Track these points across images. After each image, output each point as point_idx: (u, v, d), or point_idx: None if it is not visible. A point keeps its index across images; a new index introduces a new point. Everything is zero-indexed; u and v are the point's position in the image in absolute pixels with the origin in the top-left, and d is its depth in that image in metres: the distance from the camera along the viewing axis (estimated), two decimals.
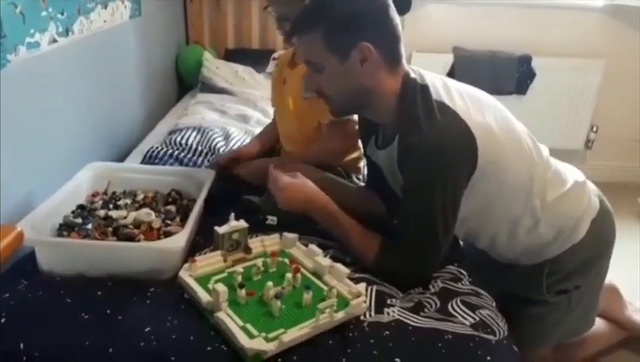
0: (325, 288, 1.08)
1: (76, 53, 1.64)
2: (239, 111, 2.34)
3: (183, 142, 1.90)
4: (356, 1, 1.11)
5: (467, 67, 2.84)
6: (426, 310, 1.08)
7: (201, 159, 1.80)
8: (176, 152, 1.80)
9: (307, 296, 1.04)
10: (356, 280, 1.11)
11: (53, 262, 1.11)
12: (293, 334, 0.93)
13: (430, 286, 1.16)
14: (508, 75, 2.88)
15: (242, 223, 1.16)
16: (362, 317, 1.04)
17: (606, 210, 1.35)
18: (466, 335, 1.01)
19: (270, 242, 1.23)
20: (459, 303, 1.10)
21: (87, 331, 0.95)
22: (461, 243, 1.38)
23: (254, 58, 2.84)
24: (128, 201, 1.35)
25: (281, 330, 0.95)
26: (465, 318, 1.06)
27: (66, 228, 1.22)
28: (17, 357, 0.90)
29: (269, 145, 1.74)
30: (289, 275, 1.09)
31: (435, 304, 1.10)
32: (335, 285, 1.08)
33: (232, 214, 1.16)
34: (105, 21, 1.85)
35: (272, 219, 1.33)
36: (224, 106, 2.38)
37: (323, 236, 1.29)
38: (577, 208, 1.30)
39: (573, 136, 3.07)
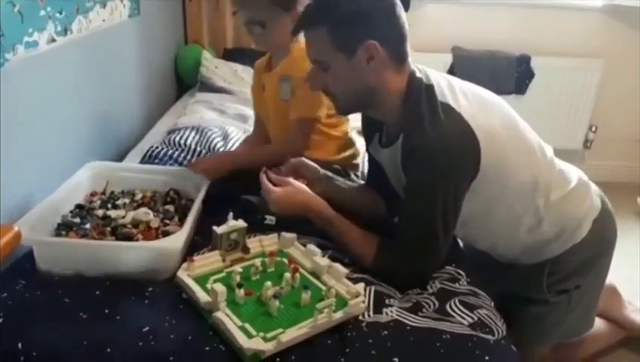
0: (324, 288, 1.08)
1: (75, 53, 1.64)
2: (238, 110, 2.34)
3: (182, 142, 1.90)
4: None
5: (466, 67, 2.84)
6: (424, 310, 1.08)
7: None
8: (176, 154, 1.79)
9: (305, 296, 1.03)
10: (355, 280, 1.11)
11: (52, 261, 1.10)
12: (292, 334, 0.93)
13: (428, 287, 1.16)
14: (507, 74, 2.88)
15: (241, 223, 1.16)
16: (361, 317, 1.04)
17: (607, 210, 1.36)
18: (465, 335, 1.01)
19: (269, 242, 1.23)
20: (457, 303, 1.10)
21: (85, 331, 0.95)
22: (460, 243, 1.38)
23: (253, 57, 2.77)
24: (127, 201, 1.35)
25: (280, 330, 0.95)
26: (463, 318, 1.06)
27: (64, 227, 1.22)
28: (15, 356, 0.89)
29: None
30: (287, 275, 1.09)
31: (434, 304, 1.10)
32: (333, 285, 1.08)
33: (231, 214, 1.16)
34: (103, 20, 1.84)
35: (270, 219, 1.33)
36: (223, 106, 2.38)
37: (322, 236, 1.28)
38: (581, 208, 1.30)
39: (572, 136, 3.07)
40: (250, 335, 0.93)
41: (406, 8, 1.17)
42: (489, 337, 1.02)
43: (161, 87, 2.64)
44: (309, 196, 1.26)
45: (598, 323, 1.62)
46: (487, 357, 0.96)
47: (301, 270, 1.13)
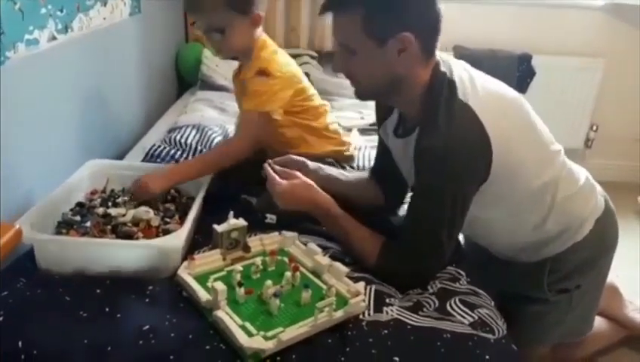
0: (324, 287, 1.07)
1: (75, 51, 1.64)
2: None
3: (183, 140, 1.90)
4: None
5: None
6: (424, 309, 1.08)
7: None
8: (178, 153, 1.79)
9: (306, 295, 1.03)
10: (355, 280, 1.11)
11: (52, 260, 1.10)
12: (292, 333, 0.93)
13: (429, 287, 1.16)
14: (508, 73, 2.87)
15: (241, 222, 1.16)
16: (361, 316, 1.04)
17: (610, 210, 1.35)
18: (465, 334, 1.01)
19: (269, 241, 1.23)
20: (457, 302, 1.10)
21: (85, 329, 0.94)
22: (462, 240, 1.38)
23: None
24: (127, 199, 1.35)
25: (280, 329, 0.94)
26: (464, 317, 1.06)
27: (64, 225, 1.21)
28: (16, 355, 0.89)
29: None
30: (288, 274, 1.09)
31: (434, 303, 1.10)
32: (334, 284, 1.08)
33: (231, 213, 1.16)
34: (104, 18, 1.84)
35: (271, 218, 1.33)
36: (223, 104, 2.38)
37: (322, 235, 1.28)
38: (586, 207, 1.30)
39: (573, 135, 3.07)
40: (250, 334, 0.93)
41: None
42: (489, 336, 1.02)
43: (162, 86, 2.63)
44: (317, 192, 1.24)
45: (599, 322, 1.62)
46: (487, 356, 0.96)
47: (302, 269, 1.13)
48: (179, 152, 1.81)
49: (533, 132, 1.21)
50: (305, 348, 0.94)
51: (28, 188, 1.39)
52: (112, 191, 1.41)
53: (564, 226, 1.27)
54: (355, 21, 1.06)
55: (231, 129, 2.06)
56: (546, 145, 1.23)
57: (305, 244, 1.21)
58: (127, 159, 1.85)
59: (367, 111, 2.26)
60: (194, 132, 1.98)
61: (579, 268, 1.33)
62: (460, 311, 1.07)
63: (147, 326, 0.95)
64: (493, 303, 1.14)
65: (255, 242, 1.21)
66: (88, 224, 1.21)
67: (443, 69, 1.14)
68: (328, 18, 1.12)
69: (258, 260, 1.14)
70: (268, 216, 1.34)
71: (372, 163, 1.53)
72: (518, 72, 2.87)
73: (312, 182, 1.26)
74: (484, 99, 1.11)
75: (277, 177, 1.24)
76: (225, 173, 1.47)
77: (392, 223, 1.38)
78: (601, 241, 1.34)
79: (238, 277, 1.06)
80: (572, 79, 2.93)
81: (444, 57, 1.18)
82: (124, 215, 1.25)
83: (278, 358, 0.91)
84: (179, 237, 1.12)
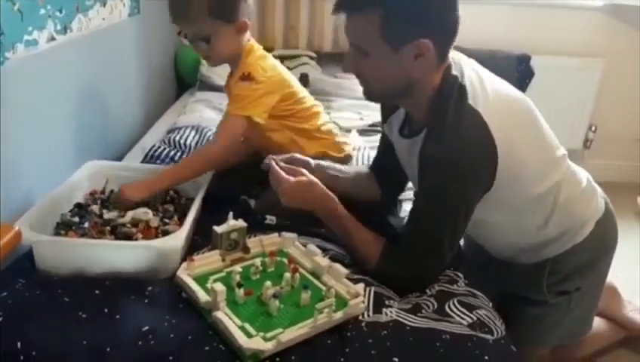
0: (324, 288, 1.08)
1: (74, 52, 1.64)
2: None
3: (182, 141, 1.90)
4: None
5: None
6: (423, 311, 1.08)
7: None
8: (178, 155, 1.79)
9: (305, 296, 1.03)
10: (355, 281, 1.11)
11: (51, 261, 1.10)
12: (292, 334, 0.93)
13: (427, 290, 1.15)
14: (507, 74, 2.83)
15: (241, 223, 1.16)
16: (360, 317, 1.04)
17: (610, 212, 1.35)
18: (464, 335, 1.01)
19: (269, 242, 1.23)
20: (456, 303, 1.10)
21: (84, 330, 0.94)
22: (461, 241, 1.38)
23: None
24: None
25: (280, 330, 0.95)
26: (462, 318, 1.06)
27: (63, 226, 1.21)
28: (15, 356, 0.89)
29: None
30: (287, 275, 1.09)
31: (433, 305, 1.10)
32: (333, 285, 1.08)
33: (231, 213, 1.16)
34: (103, 19, 1.84)
35: (270, 219, 1.33)
36: (222, 104, 2.35)
37: (322, 236, 1.28)
38: (587, 209, 1.30)
39: (572, 136, 3.06)
40: (249, 335, 0.93)
41: None
42: (488, 337, 1.02)
43: (161, 86, 2.63)
44: (322, 190, 1.23)
45: (598, 323, 1.62)
46: (486, 357, 0.96)
47: (301, 270, 1.13)
48: (178, 153, 1.81)
49: (539, 139, 1.20)
50: (304, 349, 0.94)
51: (27, 188, 1.39)
52: (111, 191, 1.41)
53: (565, 228, 1.27)
54: (372, 23, 1.03)
55: None
56: (551, 148, 1.22)
57: (304, 245, 1.21)
58: (126, 160, 1.85)
59: (367, 112, 2.26)
60: (193, 133, 1.98)
61: (578, 270, 1.33)
62: (458, 312, 1.08)
63: (146, 327, 0.95)
64: (491, 304, 1.14)
65: (254, 243, 1.21)
66: (87, 225, 1.21)
67: (455, 72, 1.11)
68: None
69: (257, 261, 1.14)
70: (267, 217, 1.34)
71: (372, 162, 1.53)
72: (516, 72, 2.87)
73: (317, 181, 1.24)
74: (493, 102, 1.09)
75: (283, 173, 1.23)
76: (224, 173, 1.47)
77: (392, 225, 1.38)
78: (601, 243, 1.34)
79: (238, 278, 1.06)
80: (571, 80, 2.93)
81: (455, 58, 1.15)
82: (123, 216, 1.25)
83: (278, 359, 0.91)
84: (178, 238, 1.12)
